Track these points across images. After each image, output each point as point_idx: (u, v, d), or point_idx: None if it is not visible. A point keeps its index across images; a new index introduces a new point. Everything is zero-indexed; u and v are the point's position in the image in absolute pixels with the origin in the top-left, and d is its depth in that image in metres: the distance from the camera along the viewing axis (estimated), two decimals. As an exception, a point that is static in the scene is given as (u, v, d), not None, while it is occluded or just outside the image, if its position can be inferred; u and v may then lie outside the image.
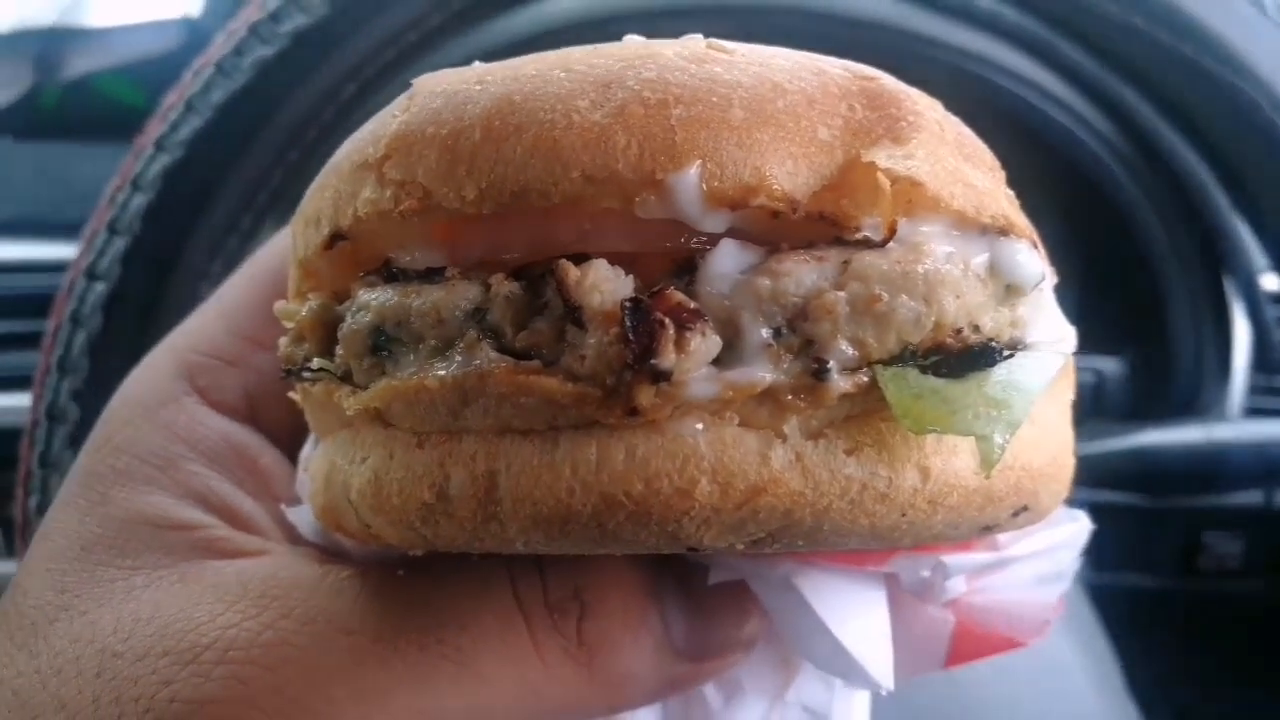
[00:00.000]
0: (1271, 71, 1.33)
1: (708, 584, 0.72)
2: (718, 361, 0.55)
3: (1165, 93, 1.47)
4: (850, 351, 0.57)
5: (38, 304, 1.43)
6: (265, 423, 0.80)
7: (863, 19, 1.74)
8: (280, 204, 1.36)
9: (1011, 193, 0.67)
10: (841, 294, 0.57)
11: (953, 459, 0.59)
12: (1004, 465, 0.59)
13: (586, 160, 0.56)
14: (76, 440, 1.28)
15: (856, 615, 0.74)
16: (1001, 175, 0.67)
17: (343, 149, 0.66)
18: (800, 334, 0.56)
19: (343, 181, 0.64)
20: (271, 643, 0.62)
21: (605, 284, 0.55)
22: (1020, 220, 0.66)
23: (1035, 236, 0.67)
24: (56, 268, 1.40)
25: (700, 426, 0.56)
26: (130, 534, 0.70)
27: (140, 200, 1.29)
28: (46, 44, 2.78)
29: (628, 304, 0.54)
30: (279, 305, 0.71)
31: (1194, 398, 2.00)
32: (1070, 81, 1.76)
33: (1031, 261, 0.64)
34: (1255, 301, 1.97)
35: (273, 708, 0.60)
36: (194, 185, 1.31)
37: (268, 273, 0.82)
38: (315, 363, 0.65)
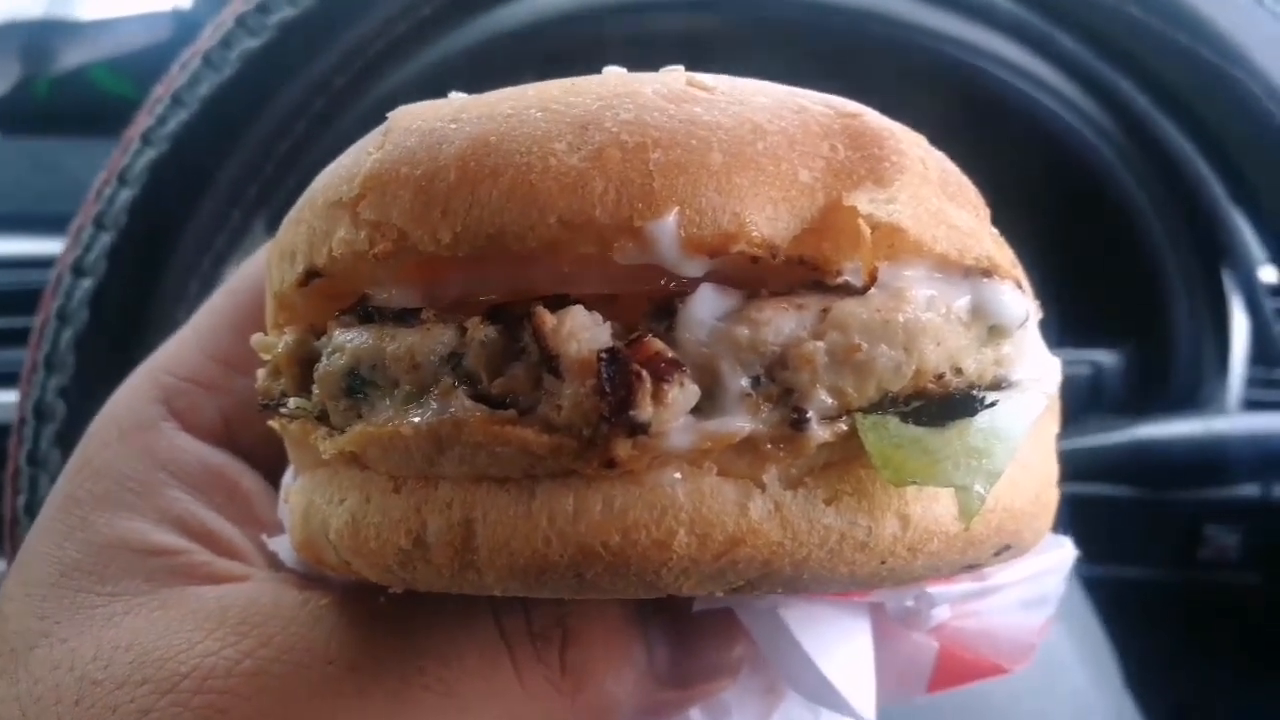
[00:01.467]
0: (1268, 61, 1.32)
1: (692, 611, 0.72)
2: (696, 410, 0.55)
3: (1161, 83, 1.46)
4: (829, 401, 0.57)
5: (27, 300, 1.42)
6: (244, 446, 0.80)
7: (857, 9, 1.73)
8: (270, 199, 1.35)
9: (996, 231, 0.66)
10: (820, 343, 0.56)
11: (933, 505, 0.59)
12: (985, 509, 0.58)
13: (563, 206, 0.55)
14: (64, 438, 1.27)
15: (840, 645, 0.74)
16: (986, 213, 0.67)
17: (318, 181, 0.66)
18: (779, 383, 0.56)
19: (317, 218, 0.63)
20: (249, 672, 0.62)
21: (582, 332, 0.55)
22: (1005, 259, 0.65)
23: (1020, 275, 0.67)
24: (46, 263, 1.39)
25: (678, 476, 0.55)
26: (110, 560, 0.70)
27: (127, 195, 1.28)
28: (35, 37, 2.77)
29: (604, 355, 0.53)
30: (256, 338, 0.70)
31: (1192, 391, 2.00)
32: (1066, 72, 1.76)
33: (1015, 302, 0.64)
34: (1254, 294, 1.97)
35: None
36: (182, 179, 1.29)
37: (244, 295, 0.82)
38: (292, 403, 0.65)
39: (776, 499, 0.56)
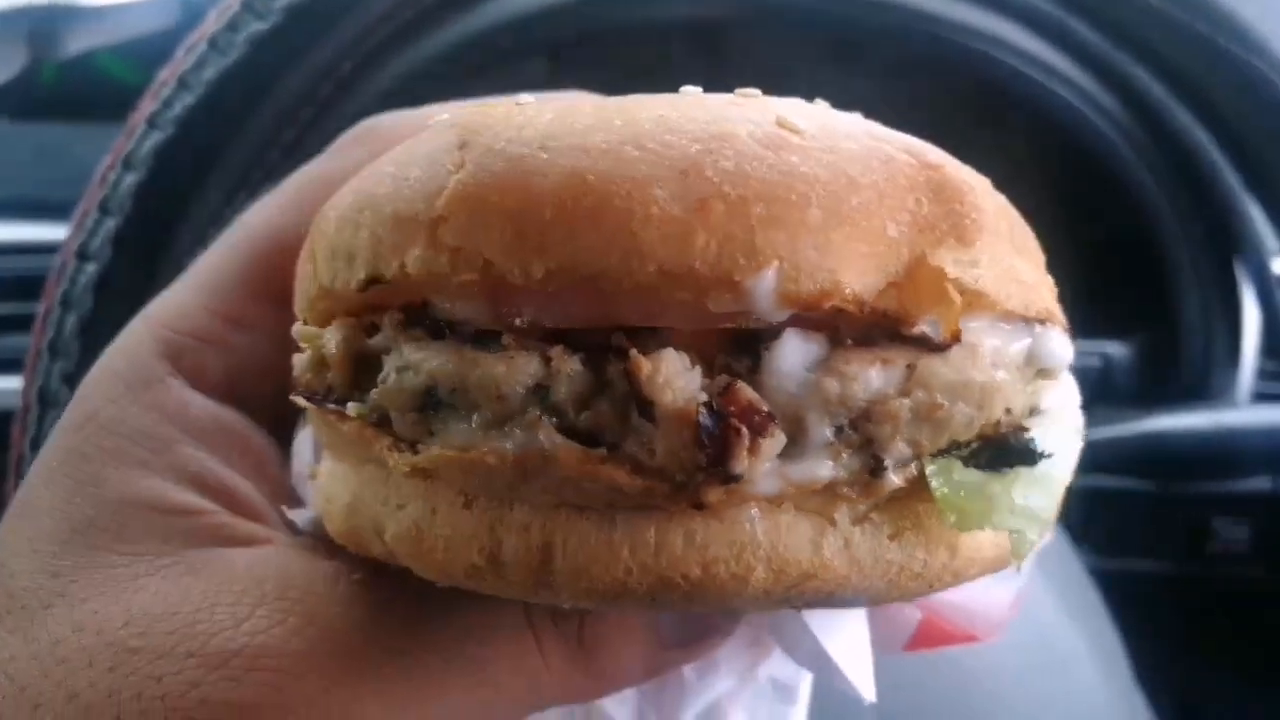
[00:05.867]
0: (1288, 49, 1.30)
1: None
2: (779, 454, 0.58)
3: (1177, 71, 1.45)
4: (906, 451, 0.60)
5: (32, 286, 1.41)
6: (249, 404, 0.80)
7: (873, -1, 1.71)
8: (275, 184, 1.33)
9: (1050, 279, 0.71)
10: (906, 401, 0.60)
11: (976, 535, 0.64)
12: None
13: (664, 256, 0.56)
14: (69, 424, 1.25)
15: (841, 628, 0.78)
16: (1043, 260, 0.71)
17: (379, 185, 0.65)
18: (861, 433, 0.60)
19: (383, 228, 0.63)
20: (300, 652, 0.64)
21: (677, 379, 0.57)
22: (1057, 308, 0.70)
23: (1065, 321, 0.71)
24: (52, 249, 1.38)
25: (756, 514, 0.59)
26: (127, 518, 0.70)
27: (132, 179, 1.28)
28: (43, 22, 2.75)
29: (704, 409, 0.56)
30: (298, 329, 0.71)
31: (1203, 383, 2.03)
32: (1080, 61, 1.76)
33: (1064, 348, 0.69)
34: (1266, 285, 2.00)
35: (305, 716, 0.62)
36: (187, 164, 1.31)
37: (249, 250, 0.82)
38: (351, 408, 0.65)
39: (846, 535, 0.60)
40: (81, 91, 2.68)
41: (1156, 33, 1.32)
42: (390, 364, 0.63)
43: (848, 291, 0.58)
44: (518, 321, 0.60)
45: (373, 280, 0.64)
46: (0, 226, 2.11)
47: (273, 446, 0.80)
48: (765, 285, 0.56)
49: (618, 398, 0.57)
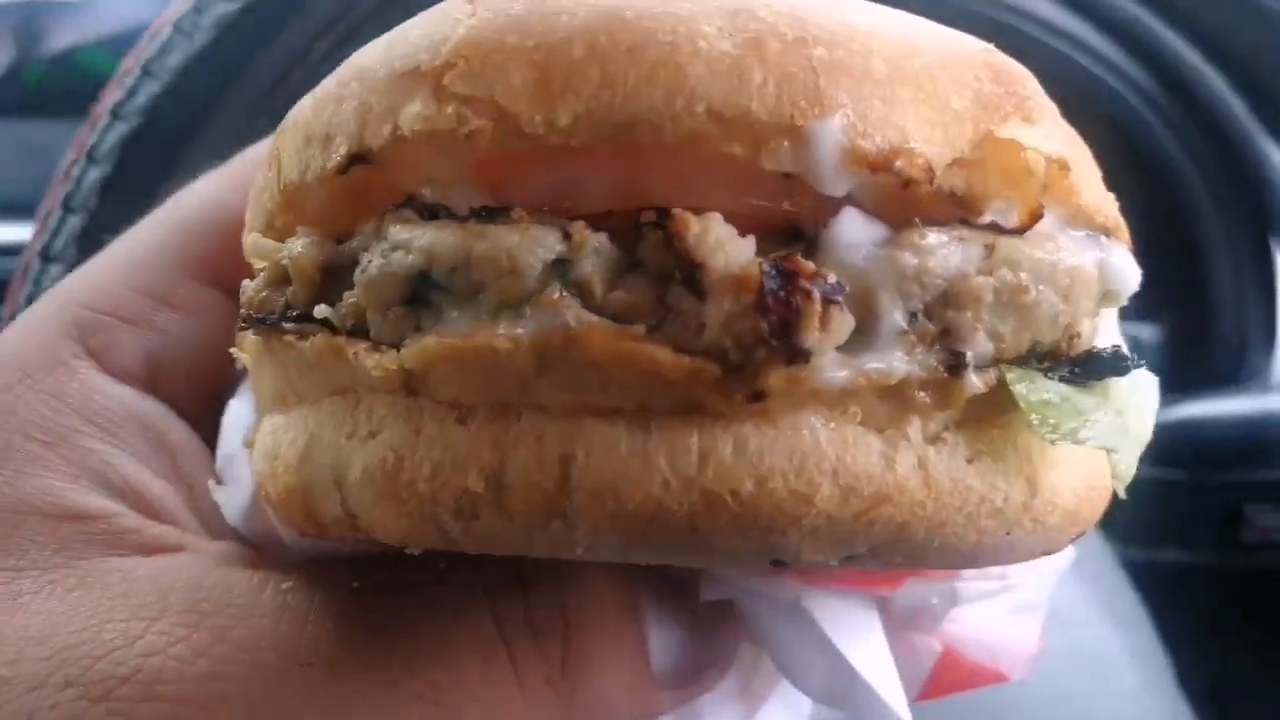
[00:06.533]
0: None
1: (700, 602, 0.67)
2: (843, 346, 0.50)
3: (1210, 33, 1.37)
4: (987, 346, 0.53)
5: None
6: (168, 393, 0.72)
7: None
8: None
9: (1112, 195, 0.65)
10: (990, 279, 0.53)
11: (1053, 473, 0.56)
12: (1093, 486, 0.56)
13: (716, 95, 0.49)
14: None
15: (867, 641, 0.71)
16: (1099, 173, 0.65)
17: (371, 54, 0.57)
18: (938, 321, 0.52)
19: (375, 92, 0.55)
20: (207, 675, 0.55)
21: (730, 243, 0.49)
22: (1122, 223, 0.63)
23: (1129, 240, 0.65)
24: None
25: (819, 421, 0.50)
26: (13, 526, 0.62)
27: (96, 174, 1.23)
28: (27, 17, 2.72)
29: (769, 268, 0.48)
30: (252, 239, 0.62)
31: (1236, 366, 1.99)
32: (1104, 27, 1.68)
33: (1132, 270, 0.62)
34: None
35: None
36: (154, 156, 1.25)
37: (177, 225, 0.75)
38: (320, 311, 0.56)
39: (920, 453, 0.52)
40: (67, 88, 2.66)
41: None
42: (371, 254, 0.54)
43: (918, 153, 0.51)
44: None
45: (355, 159, 0.54)
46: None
47: (196, 443, 0.71)
48: (831, 134, 0.49)
49: (653, 274, 0.49)
